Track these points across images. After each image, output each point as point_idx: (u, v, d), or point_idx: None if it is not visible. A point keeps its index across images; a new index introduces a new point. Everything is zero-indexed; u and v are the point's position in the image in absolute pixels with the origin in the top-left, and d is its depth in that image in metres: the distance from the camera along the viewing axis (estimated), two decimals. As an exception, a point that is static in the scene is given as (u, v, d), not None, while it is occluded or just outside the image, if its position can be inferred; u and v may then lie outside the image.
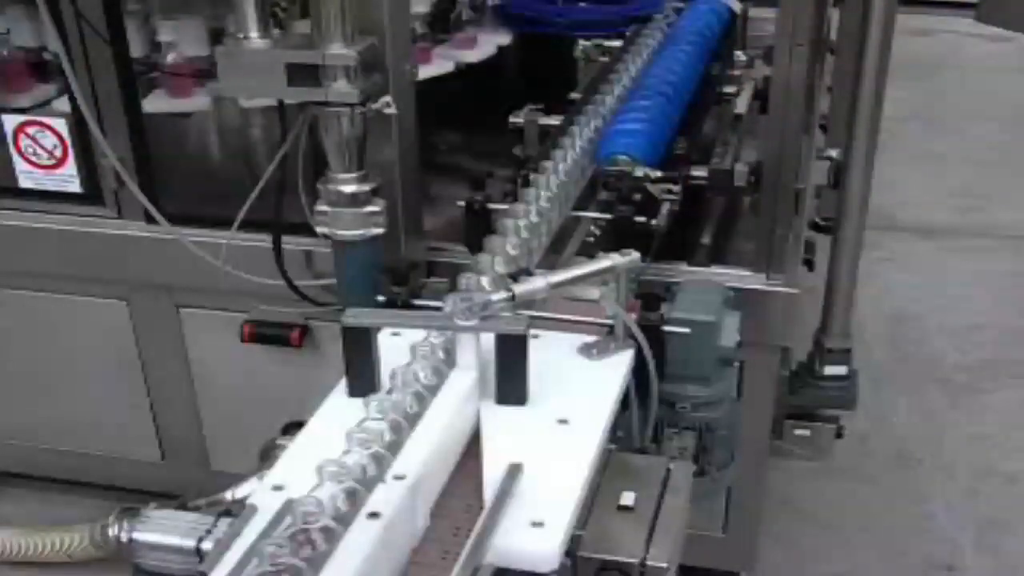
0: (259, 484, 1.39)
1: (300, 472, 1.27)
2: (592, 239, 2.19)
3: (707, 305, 1.86)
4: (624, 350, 1.71)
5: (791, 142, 2.22)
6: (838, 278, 2.50)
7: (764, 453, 2.59)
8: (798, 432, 2.62)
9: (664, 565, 1.40)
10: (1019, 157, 5.51)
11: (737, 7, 3.20)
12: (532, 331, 1.54)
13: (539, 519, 1.33)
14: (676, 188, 2.20)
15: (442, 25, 3.00)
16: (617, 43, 2.92)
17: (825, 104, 3.68)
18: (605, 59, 2.87)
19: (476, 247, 1.87)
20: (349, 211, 2.15)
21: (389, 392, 1.42)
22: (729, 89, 2.94)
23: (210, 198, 2.70)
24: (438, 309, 1.55)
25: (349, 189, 2.14)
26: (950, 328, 4.06)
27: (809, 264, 2.63)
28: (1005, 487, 3.28)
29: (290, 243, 2.43)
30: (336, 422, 1.38)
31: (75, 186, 2.67)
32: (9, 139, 2.64)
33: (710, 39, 2.94)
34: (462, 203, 2.18)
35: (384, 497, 1.23)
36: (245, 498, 1.39)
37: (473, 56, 2.99)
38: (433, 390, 1.46)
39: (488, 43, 3.05)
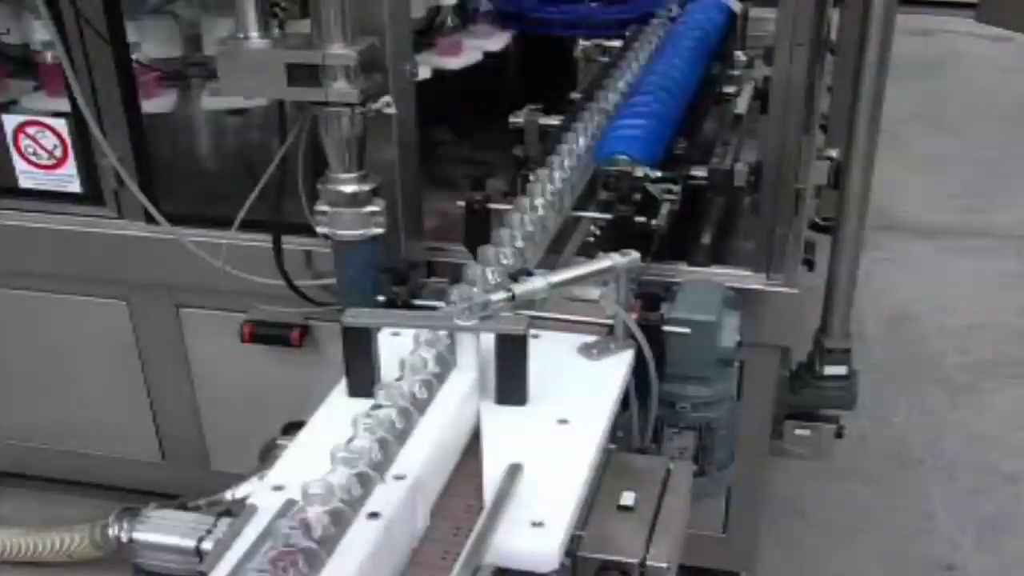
0: (259, 484, 1.39)
1: (300, 472, 1.27)
2: (592, 239, 2.18)
3: (707, 305, 1.86)
4: (624, 350, 1.71)
5: (791, 142, 2.22)
6: (838, 278, 2.50)
7: (764, 453, 2.59)
8: (798, 432, 2.62)
9: (664, 565, 1.40)
10: (1019, 157, 5.51)
11: (737, 7, 3.19)
12: (532, 331, 1.55)
13: (539, 519, 1.33)
14: (676, 188, 2.20)
15: (462, 17, 3.01)
16: (617, 43, 2.91)
17: (825, 104, 3.68)
18: (605, 59, 2.87)
19: (476, 247, 1.87)
20: (349, 211, 2.15)
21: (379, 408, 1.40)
22: (729, 89, 2.94)
23: (210, 198, 2.70)
24: (438, 309, 1.55)
25: (349, 189, 2.14)
26: (950, 328, 4.06)
27: (809, 264, 2.62)
28: (1005, 487, 3.28)
29: (290, 243, 2.43)
30: (336, 422, 1.38)
31: (75, 186, 2.67)
32: (9, 139, 2.64)
33: (710, 39, 2.94)
34: (462, 203, 2.18)
35: (384, 497, 1.22)
36: (245, 498, 1.39)
37: (494, 45, 2.99)
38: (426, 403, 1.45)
39: (503, 33, 3.06)
